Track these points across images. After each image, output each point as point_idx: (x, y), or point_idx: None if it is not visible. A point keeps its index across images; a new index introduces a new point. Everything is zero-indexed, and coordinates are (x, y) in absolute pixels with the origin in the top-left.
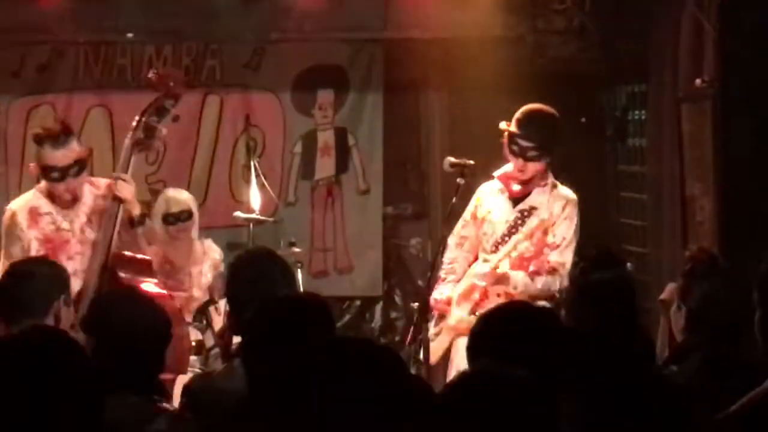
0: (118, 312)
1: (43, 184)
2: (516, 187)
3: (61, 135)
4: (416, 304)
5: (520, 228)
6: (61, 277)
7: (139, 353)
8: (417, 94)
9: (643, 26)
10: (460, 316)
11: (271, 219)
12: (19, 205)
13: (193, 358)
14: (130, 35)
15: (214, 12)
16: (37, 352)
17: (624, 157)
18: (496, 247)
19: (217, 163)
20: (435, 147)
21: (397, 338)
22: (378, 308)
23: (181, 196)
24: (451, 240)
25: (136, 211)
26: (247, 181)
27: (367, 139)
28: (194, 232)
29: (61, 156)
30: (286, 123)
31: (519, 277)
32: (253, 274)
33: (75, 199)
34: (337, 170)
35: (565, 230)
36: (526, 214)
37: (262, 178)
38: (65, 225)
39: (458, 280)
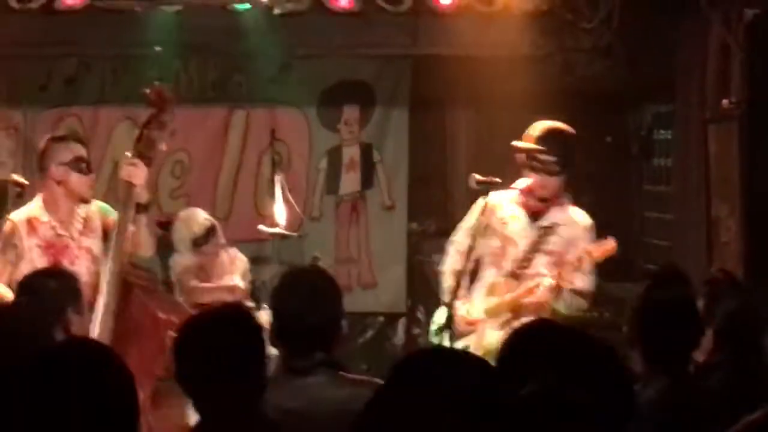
0: None
1: (40, 197)
2: (535, 203)
3: (77, 135)
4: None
5: (542, 246)
6: (70, 288)
7: None
8: (443, 111)
9: (671, 46)
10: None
11: (295, 234)
12: (18, 217)
13: None
14: (158, 49)
15: (242, 27)
16: (78, 364)
17: (649, 176)
18: (520, 269)
19: (242, 177)
20: (460, 164)
21: None
22: (401, 324)
23: (199, 217)
24: (454, 247)
25: (144, 198)
26: (272, 196)
27: (392, 155)
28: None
29: (83, 150)
30: (312, 138)
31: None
32: (303, 288)
33: (89, 200)
34: (362, 186)
35: None
36: (549, 231)
37: (287, 193)
38: (63, 231)
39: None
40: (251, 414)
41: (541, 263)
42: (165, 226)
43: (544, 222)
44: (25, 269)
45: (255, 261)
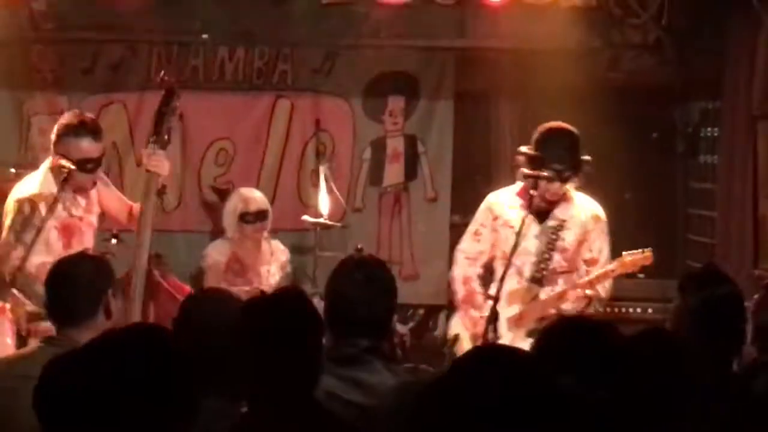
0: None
1: (50, 172)
2: (540, 203)
3: (97, 129)
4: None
5: (556, 244)
6: (105, 271)
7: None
8: (488, 104)
9: (719, 43)
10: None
11: (338, 224)
12: (34, 192)
13: None
14: (205, 36)
15: (289, 16)
16: (146, 351)
17: (695, 173)
18: (539, 272)
19: (285, 166)
20: (505, 157)
21: None
22: (442, 316)
23: (256, 195)
24: (461, 254)
25: (160, 185)
26: (316, 186)
27: (436, 147)
28: (265, 232)
29: (96, 149)
30: (356, 128)
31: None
32: (360, 277)
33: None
34: (406, 177)
35: (602, 244)
36: (559, 229)
37: (331, 183)
38: (75, 211)
39: (483, 298)
40: (304, 402)
41: (555, 261)
42: (222, 194)
43: (552, 221)
44: (41, 251)
45: (296, 250)
